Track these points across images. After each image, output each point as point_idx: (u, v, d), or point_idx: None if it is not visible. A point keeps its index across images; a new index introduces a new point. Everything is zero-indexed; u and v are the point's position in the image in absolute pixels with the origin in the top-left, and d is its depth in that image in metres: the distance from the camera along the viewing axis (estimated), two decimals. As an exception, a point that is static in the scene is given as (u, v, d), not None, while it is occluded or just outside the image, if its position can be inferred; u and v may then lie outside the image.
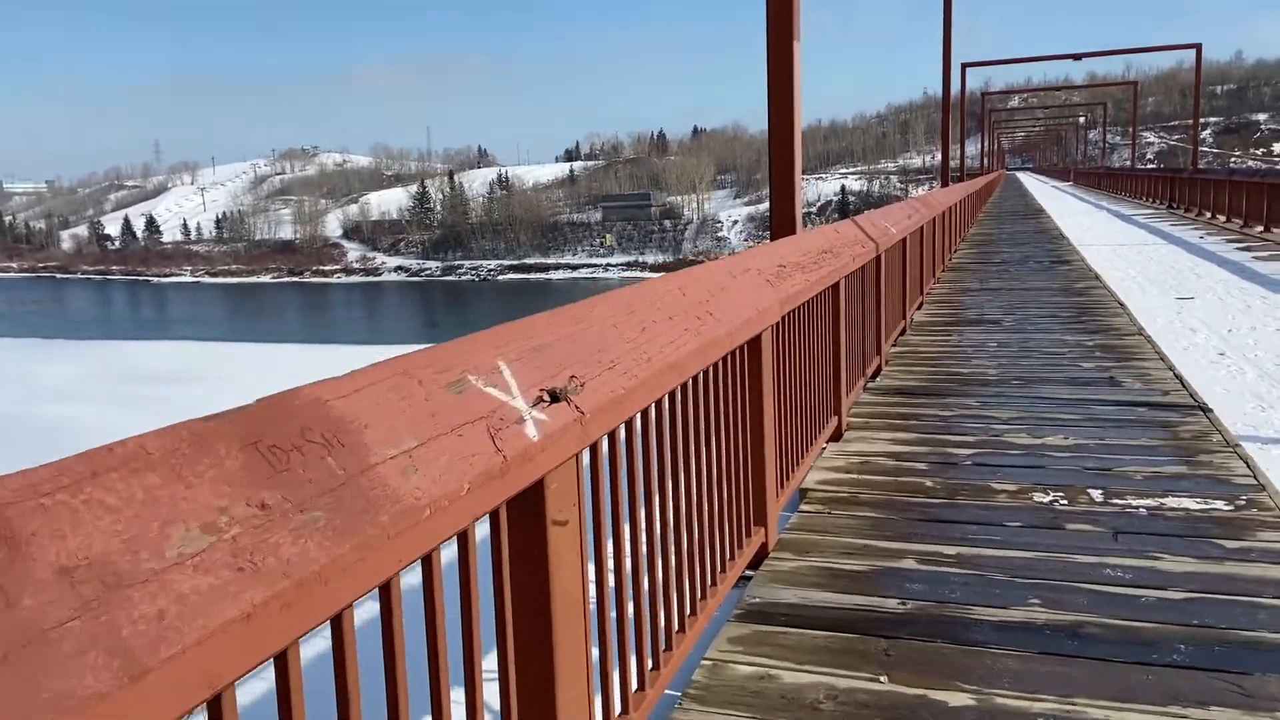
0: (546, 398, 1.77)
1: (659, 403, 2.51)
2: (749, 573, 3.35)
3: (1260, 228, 18.66)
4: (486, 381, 1.65)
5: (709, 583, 2.89)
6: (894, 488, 4.18)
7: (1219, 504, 3.79)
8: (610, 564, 2.19)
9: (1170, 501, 3.85)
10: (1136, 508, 3.80)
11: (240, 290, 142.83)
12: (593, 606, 2.01)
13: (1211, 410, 5.13)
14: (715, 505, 2.96)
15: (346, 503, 1.21)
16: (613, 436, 2.18)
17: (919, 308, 9.43)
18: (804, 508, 3.98)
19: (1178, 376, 5.95)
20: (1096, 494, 3.98)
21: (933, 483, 4.21)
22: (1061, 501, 3.91)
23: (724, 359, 3.02)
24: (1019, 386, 5.94)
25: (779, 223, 4.78)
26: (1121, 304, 9.05)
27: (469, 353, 1.68)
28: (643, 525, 2.43)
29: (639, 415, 2.34)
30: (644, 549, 2.42)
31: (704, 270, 3.16)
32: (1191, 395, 5.47)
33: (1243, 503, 3.79)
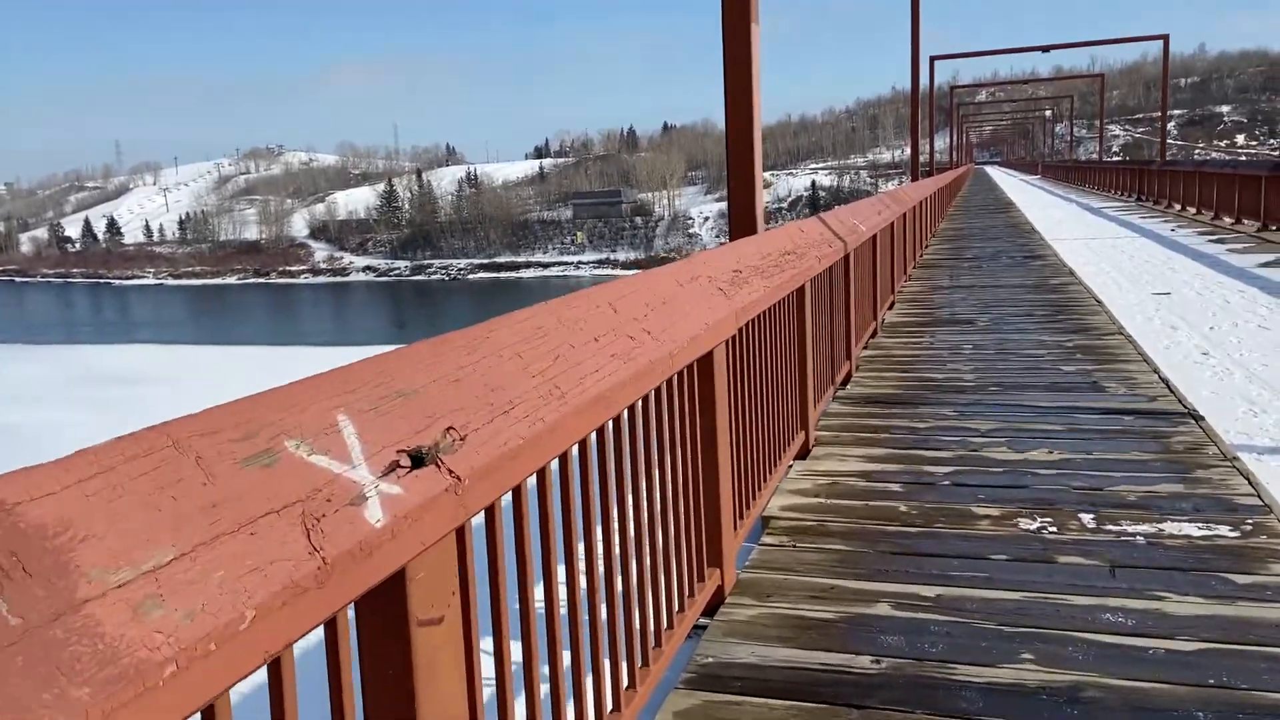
0: (406, 462, 1.34)
1: (584, 442, 2.09)
2: (704, 620, 2.94)
3: (1231, 219, 18.50)
4: (314, 447, 1.22)
5: (652, 644, 2.48)
6: (866, 514, 3.78)
7: (1223, 529, 3.42)
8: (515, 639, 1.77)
9: (1169, 527, 3.48)
10: (1133, 535, 3.42)
11: (205, 292, 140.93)
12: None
13: (1204, 419, 4.78)
14: (659, 550, 2.55)
15: (15, 673, 0.78)
16: (517, 491, 1.76)
17: (890, 307, 9.07)
18: (766, 539, 3.57)
19: (1164, 380, 5.61)
20: (1088, 519, 3.60)
21: (908, 507, 3.82)
22: (1050, 529, 3.52)
23: (667, 382, 2.61)
24: (997, 394, 5.57)
25: (737, 221, 4.37)
26: (1098, 301, 8.73)
27: (293, 405, 1.24)
28: (562, 583, 2.00)
29: (554, 462, 1.92)
30: (563, 612, 2.00)
31: (644, 279, 2.73)
32: (1180, 401, 5.13)
33: (1249, 528, 3.42)
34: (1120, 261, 13.20)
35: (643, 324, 2.42)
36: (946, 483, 4.11)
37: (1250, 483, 3.87)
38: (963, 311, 8.68)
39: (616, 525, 2.26)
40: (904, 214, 10.31)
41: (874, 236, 7.45)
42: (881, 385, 5.99)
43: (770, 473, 3.88)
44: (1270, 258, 12.78)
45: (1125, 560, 3.21)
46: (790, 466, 4.34)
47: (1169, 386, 5.44)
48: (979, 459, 4.42)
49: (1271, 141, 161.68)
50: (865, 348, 7.02)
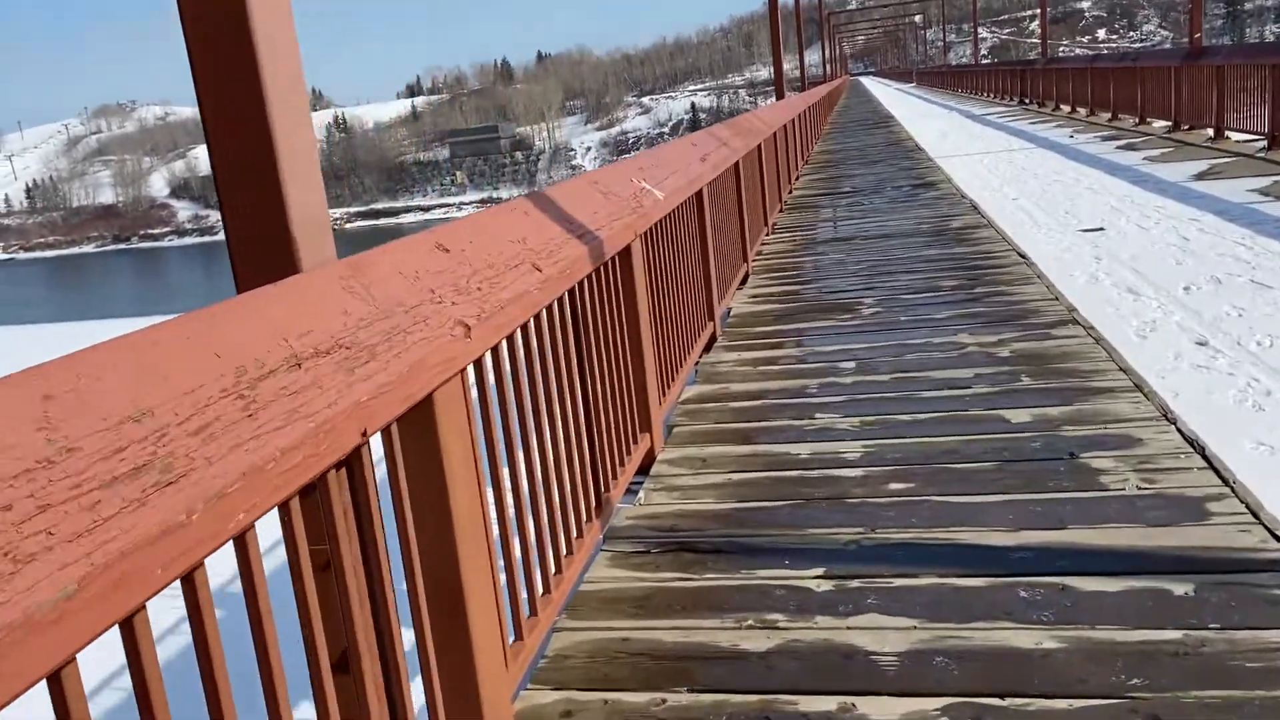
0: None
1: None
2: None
3: (1134, 120, 16.45)
4: None
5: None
6: None
7: None
8: None
9: None
10: None
11: (61, 264, 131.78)
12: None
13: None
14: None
15: None
16: None
17: (744, 283, 6.49)
18: None
19: (1196, 446, 3.10)
20: None
21: None
22: None
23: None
24: (906, 503, 3.00)
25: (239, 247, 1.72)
26: (1023, 255, 6.27)
27: None
28: None
29: None
30: None
31: None
32: (1272, 531, 2.61)
33: None
34: (1026, 184, 10.88)
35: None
36: None
37: None
38: (841, 288, 6.12)
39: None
40: (756, 147, 7.69)
41: (700, 192, 4.80)
42: (699, 498, 3.37)
43: None
44: (1200, 166, 10.61)
45: None
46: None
47: (1225, 481, 2.92)
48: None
49: (1131, 34, 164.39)
50: (685, 389, 4.42)
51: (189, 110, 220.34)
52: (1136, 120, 16.27)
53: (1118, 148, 13.42)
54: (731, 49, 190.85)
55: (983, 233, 7.29)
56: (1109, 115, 18.11)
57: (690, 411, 4.03)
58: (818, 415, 3.80)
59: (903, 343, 4.66)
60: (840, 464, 3.30)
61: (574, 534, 2.64)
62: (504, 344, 2.19)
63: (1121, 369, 3.90)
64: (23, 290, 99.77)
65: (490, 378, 2.12)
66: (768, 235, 8.28)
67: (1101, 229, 7.71)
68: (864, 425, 3.63)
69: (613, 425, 3.13)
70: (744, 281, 6.59)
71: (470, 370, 1.96)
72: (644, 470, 3.48)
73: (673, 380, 4.04)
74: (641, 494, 3.24)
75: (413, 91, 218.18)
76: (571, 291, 2.74)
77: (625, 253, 3.31)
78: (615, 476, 3.12)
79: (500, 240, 2.27)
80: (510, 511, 2.20)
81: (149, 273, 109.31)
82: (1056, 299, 5.09)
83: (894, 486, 3.06)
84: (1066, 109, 21.62)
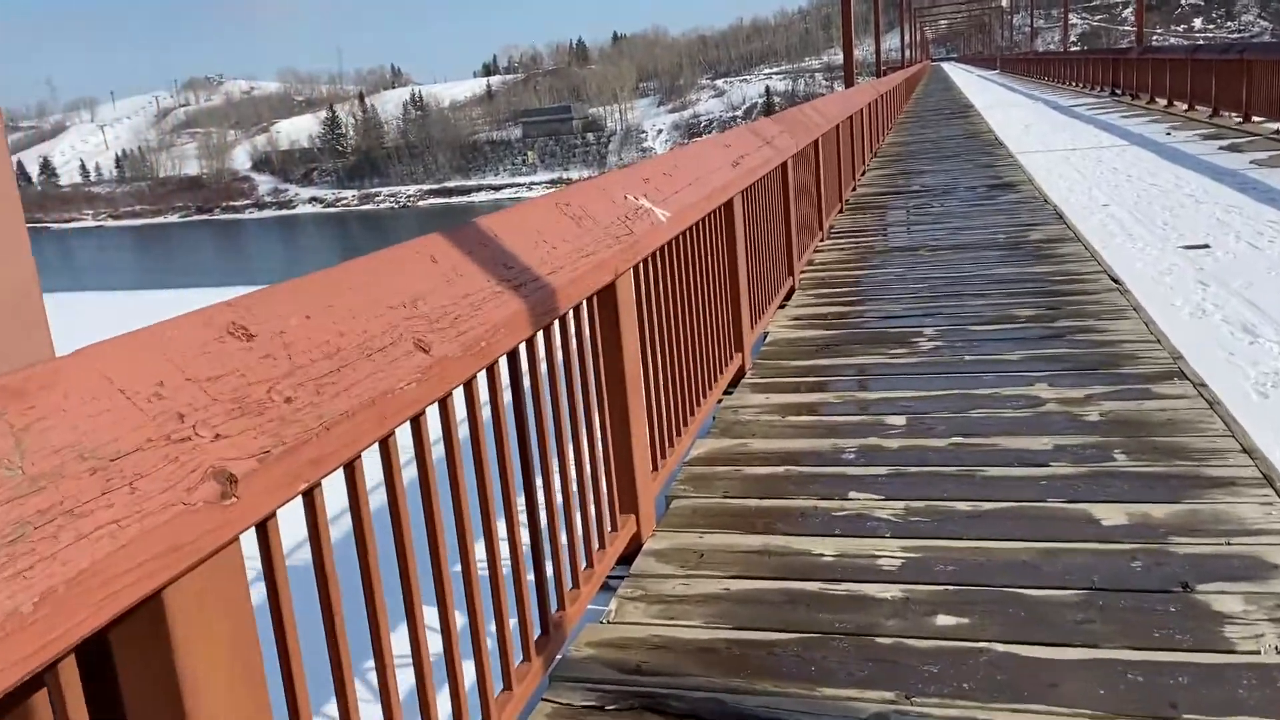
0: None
1: None
2: None
3: (1238, 117, 15.16)
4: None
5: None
6: None
7: None
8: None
9: None
10: None
11: (147, 232, 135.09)
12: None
13: None
14: None
15: None
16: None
17: (787, 298, 5.71)
18: None
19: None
20: None
21: None
22: None
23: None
24: (957, 652, 2.23)
25: None
26: (1115, 280, 5.38)
27: None
28: None
29: None
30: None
31: None
32: None
33: None
34: (1118, 187, 9.85)
35: None
36: None
37: None
38: (898, 311, 5.30)
39: None
40: (812, 143, 6.87)
41: (728, 205, 4.06)
42: (674, 623, 2.65)
43: None
44: (1318, 172, 9.48)
45: None
46: None
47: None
48: None
49: (1229, 24, 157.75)
50: (717, 412, 3.69)
51: (273, 85, 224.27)
52: (1241, 118, 14.97)
53: (1220, 148, 12.25)
54: (810, 32, 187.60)
55: (1068, 247, 6.39)
56: (1210, 111, 16.77)
57: (697, 477, 3.30)
58: (852, 495, 3.04)
59: (966, 392, 3.86)
60: (873, 575, 2.55)
61: (493, 687, 1.94)
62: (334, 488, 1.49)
63: (1244, 448, 3.07)
64: (112, 256, 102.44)
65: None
66: (822, 241, 7.47)
67: (1207, 246, 6.75)
68: (908, 515, 2.87)
69: (590, 510, 2.43)
70: (788, 297, 5.81)
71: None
72: (627, 559, 2.77)
73: (677, 438, 3.31)
74: (613, 605, 2.53)
75: (489, 70, 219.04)
76: (513, 355, 2.04)
77: (607, 292, 2.60)
78: (577, 585, 2.41)
79: (370, 305, 1.57)
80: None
81: (230, 246, 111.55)
82: (1157, 341, 4.23)
83: (941, 622, 2.30)
84: (1163, 102, 20.20)
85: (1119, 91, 25.31)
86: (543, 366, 2.27)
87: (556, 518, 2.30)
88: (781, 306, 5.60)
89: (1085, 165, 11.69)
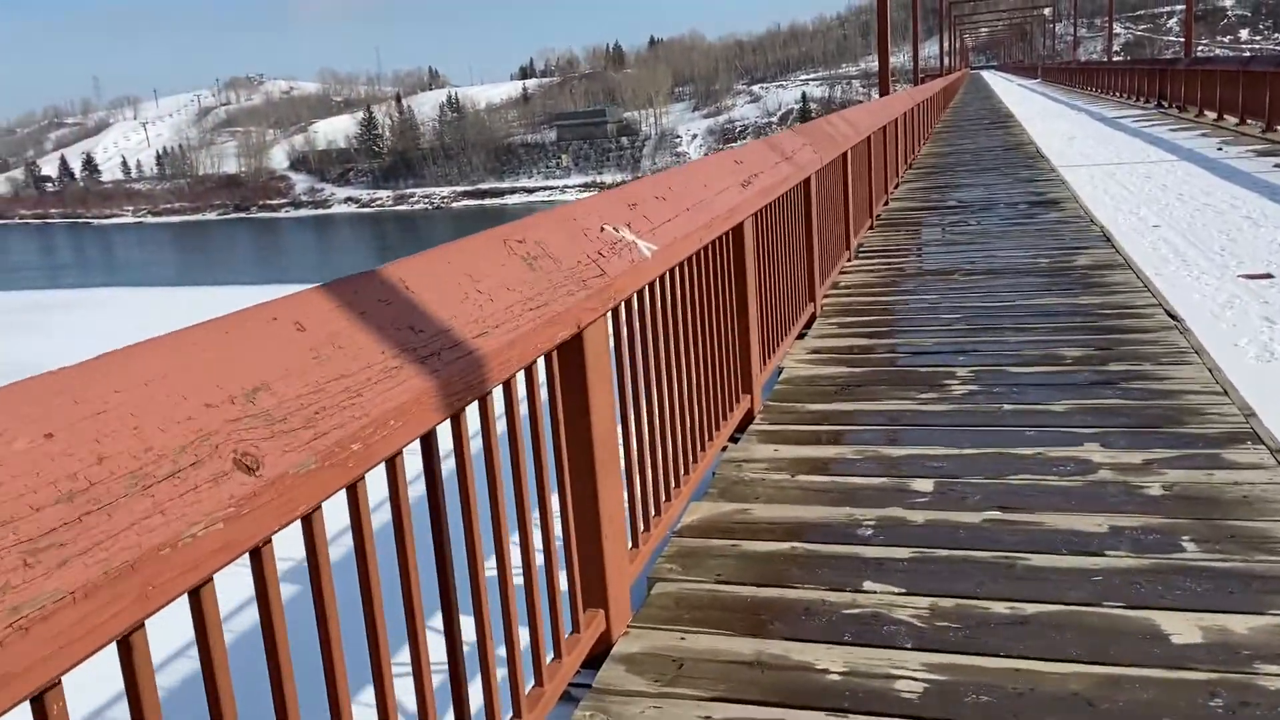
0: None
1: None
2: None
3: (1293, 132, 14.45)
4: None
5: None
6: None
7: None
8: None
9: None
10: None
11: (185, 229, 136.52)
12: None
13: None
14: None
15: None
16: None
17: (808, 325, 5.22)
18: None
19: None
20: None
21: None
22: None
23: None
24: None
25: None
26: (1172, 315, 4.84)
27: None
28: None
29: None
30: None
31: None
32: None
33: None
34: (1169, 207, 9.26)
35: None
36: None
37: None
38: (928, 346, 4.79)
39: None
40: (840, 157, 6.38)
41: (737, 229, 3.58)
42: None
43: None
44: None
45: None
46: None
47: None
48: None
49: (1276, 35, 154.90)
50: (718, 467, 3.21)
51: (312, 86, 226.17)
52: (1297, 132, 14.28)
53: (1276, 165, 11.60)
54: (847, 38, 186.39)
55: (1118, 276, 5.85)
56: (1263, 126, 16.06)
57: (687, 553, 2.82)
58: (867, 586, 2.55)
59: (1004, 450, 3.36)
60: (888, 705, 2.06)
61: None
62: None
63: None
64: (150, 253, 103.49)
65: None
66: (849, 261, 6.97)
67: (1270, 276, 6.18)
68: (934, 617, 2.38)
69: (540, 615, 1.98)
70: (809, 324, 5.33)
71: None
72: (594, 663, 2.30)
73: (666, 504, 2.84)
74: (565, 735, 2.06)
75: (525, 73, 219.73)
76: (427, 437, 1.58)
77: (570, 348, 2.14)
78: (519, 716, 1.95)
79: (174, 404, 1.12)
80: None
81: (266, 242, 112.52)
82: (1224, 393, 3.71)
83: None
84: (1212, 115, 19.46)
85: (1165, 103, 24.53)
86: (476, 442, 1.81)
87: (489, 632, 1.84)
88: (801, 336, 5.11)
89: (1133, 181, 11.08)
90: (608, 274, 2.26)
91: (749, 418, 3.85)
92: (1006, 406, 3.80)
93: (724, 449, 3.56)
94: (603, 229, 2.41)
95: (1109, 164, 13.00)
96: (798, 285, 4.97)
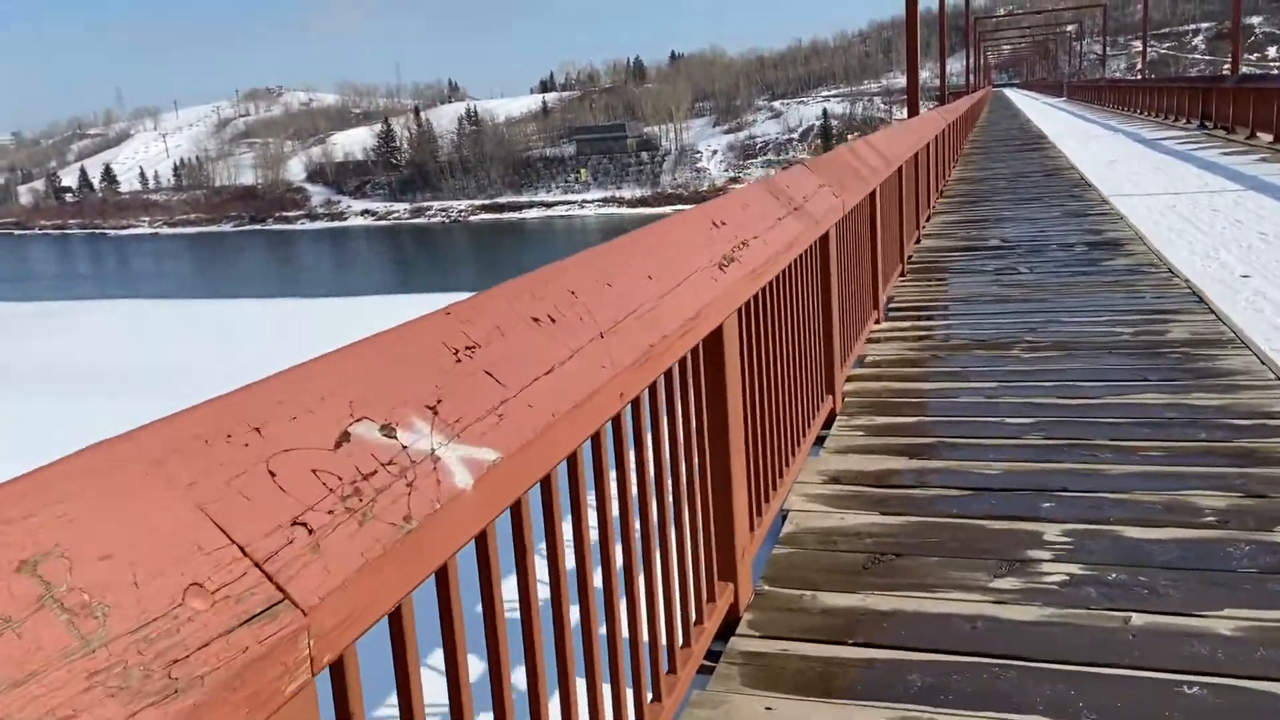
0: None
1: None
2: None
3: (1370, 159, 12.98)
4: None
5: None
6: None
7: None
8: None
9: None
10: None
11: (201, 241, 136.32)
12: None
13: None
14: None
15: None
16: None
17: (826, 425, 3.83)
18: None
19: None
20: None
21: None
22: None
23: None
24: None
25: None
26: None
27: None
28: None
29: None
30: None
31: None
32: None
33: None
34: (1251, 248, 7.83)
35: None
36: None
37: None
38: (987, 478, 3.39)
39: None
40: (867, 197, 5.00)
41: (716, 333, 2.22)
42: None
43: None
44: None
45: None
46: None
47: None
48: None
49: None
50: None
51: (331, 97, 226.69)
52: (1374, 159, 12.81)
53: (1363, 197, 10.14)
54: (869, 55, 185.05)
55: (1233, 359, 4.43)
56: (1329, 149, 14.59)
57: None
58: None
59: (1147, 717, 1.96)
60: None
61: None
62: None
63: None
64: (164, 264, 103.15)
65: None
66: (878, 324, 5.59)
67: None
68: None
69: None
70: (828, 422, 3.95)
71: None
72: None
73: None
74: None
75: (545, 87, 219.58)
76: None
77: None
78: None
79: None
80: None
81: (281, 254, 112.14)
82: None
83: None
84: (1266, 138, 17.96)
85: (1210, 124, 23.02)
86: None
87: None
88: (818, 442, 3.74)
89: (1199, 216, 9.66)
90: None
91: (735, 617, 2.46)
92: (1136, 620, 2.40)
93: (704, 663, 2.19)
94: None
95: (1165, 193, 11.58)
96: (808, 381, 3.59)
